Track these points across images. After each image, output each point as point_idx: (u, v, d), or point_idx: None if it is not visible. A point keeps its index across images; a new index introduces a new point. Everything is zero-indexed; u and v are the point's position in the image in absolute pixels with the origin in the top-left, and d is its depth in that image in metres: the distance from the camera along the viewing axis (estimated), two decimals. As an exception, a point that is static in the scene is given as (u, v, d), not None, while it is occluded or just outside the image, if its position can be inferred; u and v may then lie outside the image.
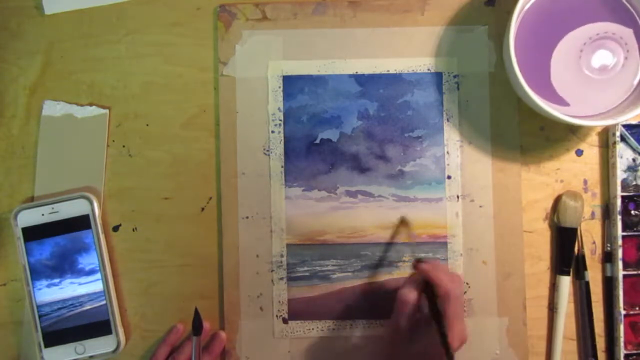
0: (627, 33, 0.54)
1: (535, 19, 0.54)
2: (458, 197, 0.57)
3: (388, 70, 0.58)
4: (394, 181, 0.58)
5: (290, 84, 0.58)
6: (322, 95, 0.58)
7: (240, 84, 0.58)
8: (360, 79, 0.58)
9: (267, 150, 0.58)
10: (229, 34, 0.58)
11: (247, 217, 0.58)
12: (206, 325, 0.56)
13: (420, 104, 0.58)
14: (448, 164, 0.58)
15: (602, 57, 0.54)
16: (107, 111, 0.59)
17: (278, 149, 0.58)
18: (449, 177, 0.58)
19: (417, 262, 0.52)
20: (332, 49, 0.58)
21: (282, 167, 0.58)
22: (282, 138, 0.58)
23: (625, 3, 0.54)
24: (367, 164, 0.58)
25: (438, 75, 0.58)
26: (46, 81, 0.59)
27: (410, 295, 0.50)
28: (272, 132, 0.58)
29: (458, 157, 0.58)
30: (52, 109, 0.59)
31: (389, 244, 0.57)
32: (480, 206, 0.57)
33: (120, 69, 0.59)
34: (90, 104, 0.59)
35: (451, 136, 0.58)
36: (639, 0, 0.53)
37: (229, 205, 0.58)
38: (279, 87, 0.58)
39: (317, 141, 0.58)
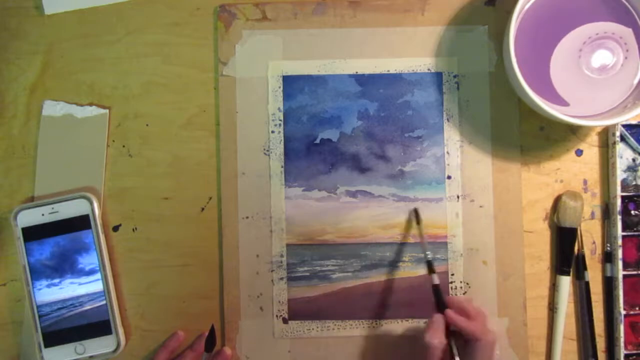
0: (627, 33, 0.54)
1: (535, 19, 0.54)
2: (458, 197, 0.57)
3: (388, 70, 0.58)
4: (394, 181, 0.58)
5: (290, 84, 0.58)
6: (322, 95, 0.58)
7: (240, 84, 0.58)
8: (360, 79, 0.58)
9: (267, 151, 0.58)
10: (229, 34, 0.58)
11: (247, 217, 0.58)
12: (227, 350, 0.56)
13: (420, 103, 0.58)
14: (448, 164, 0.58)
15: (602, 57, 0.54)
16: (107, 111, 0.59)
17: (278, 149, 0.58)
18: (449, 177, 0.58)
19: (439, 298, 0.52)
20: (332, 49, 0.58)
21: (282, 167, 0.58)
22: (282, 138, 0.58)
23: (625, 3, 0.54)
24: (367, 164, 0.58)
25: (438, 75, 0.58)
26: (46, 81, 0.59)
27: (436, 340, 0.49)
28: (272, 132, 0.58)
29: (458, 157, 0.58)
30: (52, 109, 0.59)
31: (389, 244, 0.57)
32: (481, 206, 0.57)
33: (120, 69, 0.59)
34: (90, 104, 0.59)
35: (451, 136, 0.58)
36: (639, 0, 0.54)
37: (229, 205, 0.58)
38: (279, 87, 0.58)
39: (317, 141, 0.58)
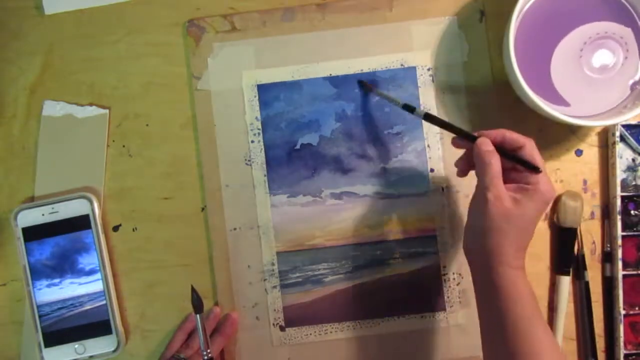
0: (627, 33, 0.54)
1: (535, 19, 0.54)
2: (443, 189, 0.58)
3: (362, 70, 0.58)
4: (378, 179, 0.58)
5: (266, 92, 0.58)
6: (298, 100, 0.58)
7: (216, 97, 0.58)
8: (335, 81, 0.58)
9: (249, 161, 0.58)
10: (200, 49, 0.58)
11: (235, 229, 0.57)
12: (216, 308, 0.56)
13: None
14: (430, 157, 0.58)
15: (602, 57, 0.54)
16: (107, 111, 0.59)
17: (259, 158, 0.58)
18: (432, 170, 0.58)
19: (462, 139, 0.50)
20: (304, 53, 0.58)
21: (264, 175, 0.58)
22: (263, 147, 0.58)
23: (625, 3, 0.54)
24: (349, 164, 0.58)
25: (412, 70, 0.58)
26: (46, 81, 0.59)
27: (494, 158, 0.47)
28: (252, 141, 0.58)
29: (439, 150, 0.58)
30: (52, 109, 0.59)
31: (378, 242, 0.57)
32: (466, 196, 0.57)
33: (120, 69, 0.59)
34: (90, 104, 0.59)
35: (430, 129, 0.57)
36: (639, 0, 0.54)
37: (216, 218, 0.58)
38: (255, 97, 0.58)
39: (298, 147, 0.58)
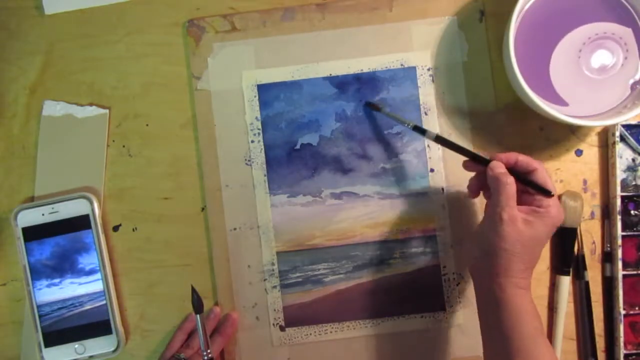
0: (627, 33, 0.54)
1: (535, 19, 0.54)
2: (443, 189, 0.58)
3: (362, 70, 0.58)
4: (378, 179, 0.58)
5: (266, 92, 0.58)
6: (298, 100, 0.58)
7: (216, 97, 0.58)
8: (335, 81, 0.58)
9: (249, 161, 0.58)
10: (200, 48, 0.58)
11: (234, 229, 0.58)
12: (216, 308, 0.57)
13: (396, 100, 0.58)
14: (430, 157, 0.58)
15: (602, 57, 0.54)
16: (107, 111, 0.59)
17: (259, 158, 0.58)
18: (432, 170, 0.58)
19: (475, 161, 0.51)
20: (304, 53, 0.58)
21: (264, 175, 0.58)
22: (263, 147, 0.58)
23: (625, 3, 0.54)
24: (349, 164, 0.58)
25: (412, 70, 0.58)
26: (46, 81, 0.59)
27: (510, 180, 0.48)
28: (252, 141, 0.58)
29: (439, 150, 0.58)
30: (52, 109, 0.59)
31: (378, 242, 0.57)
32: (466, 196, 0.57)
33: (120, 69, 0.59)
34: (90, 104, 0.59)
35: (430, 129, 0.57)
36: (638, 0, 0.54)
37: (216, 218, 0.58)
38: (255, 97, 0.58)
39: (298, 146, 0.58)
